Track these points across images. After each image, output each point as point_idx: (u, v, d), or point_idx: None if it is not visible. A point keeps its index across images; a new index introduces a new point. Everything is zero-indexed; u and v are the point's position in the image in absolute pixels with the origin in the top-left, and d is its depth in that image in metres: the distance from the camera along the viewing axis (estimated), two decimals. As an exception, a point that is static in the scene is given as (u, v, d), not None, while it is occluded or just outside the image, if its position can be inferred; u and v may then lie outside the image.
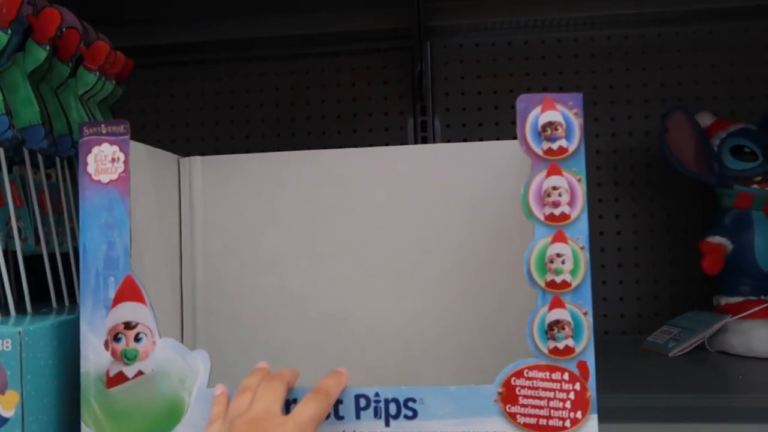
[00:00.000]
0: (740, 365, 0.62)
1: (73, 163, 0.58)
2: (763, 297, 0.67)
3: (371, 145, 0.87)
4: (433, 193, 0.51)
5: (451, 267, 0.51)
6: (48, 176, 0.55)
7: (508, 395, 0.38)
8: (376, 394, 0.39)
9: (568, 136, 0.39)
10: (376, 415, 0.39)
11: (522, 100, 0.39)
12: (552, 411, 0.38)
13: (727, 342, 0.66)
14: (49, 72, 0.51)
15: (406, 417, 0.39)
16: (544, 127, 0.39)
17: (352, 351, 0.51)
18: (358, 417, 0.39)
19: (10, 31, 0.44)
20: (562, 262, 0.39)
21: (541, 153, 0.39)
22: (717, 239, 0.69)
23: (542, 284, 0.39)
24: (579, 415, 0.38)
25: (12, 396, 0.39)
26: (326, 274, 0.52)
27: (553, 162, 0.39)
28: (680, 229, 0.82)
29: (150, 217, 0.48)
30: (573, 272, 0.38)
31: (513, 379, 0.38)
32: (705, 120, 0.72)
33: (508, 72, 0.86)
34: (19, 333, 0.40)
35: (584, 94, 0.83)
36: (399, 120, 0.89)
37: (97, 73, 0.55)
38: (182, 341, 0.48)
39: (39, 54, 0.48)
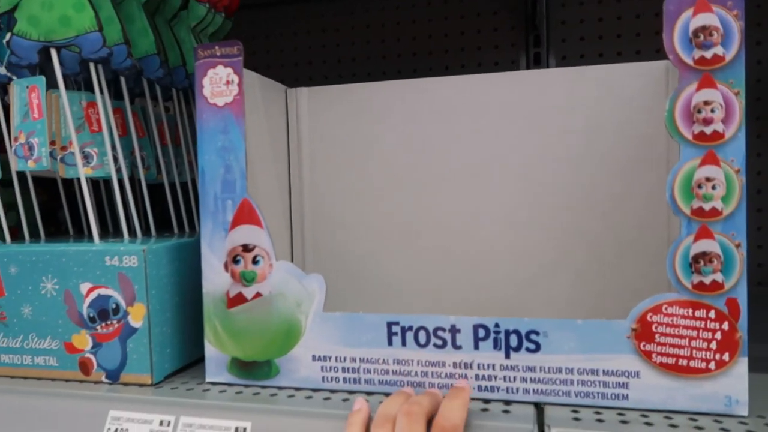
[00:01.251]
0: None
1: (189, 96, 0.59)
2: None
3: (480, 80, 0.83)
4: (547, 120, 0.47)
5: (565, 199, 0.47)
6: (166, 109, 0.56)
7: (643, 332, 0.35)
8: (496, 325, 0.37)
9: (725, 42, 0.34)
10: (496, 346, 0.37)
11: (671, 2, 0.34)
12: (694, 351, 0.35)
13: None
14: (162, 4, 0.52)
15: (528, 350, 0.37)
16: (697, 33, 0.34)
17: (460, 284, 0.50)
18: (476, 347, 0.38)
19: (128, -40, 0.44)
20: (713, 188, 0.34)
21: (691, 62, 0.34)
22: None
23: (687, 212, 0.34)
24: (726, 357, 0.34)
25: (140, 308, 0.41)
26: (433, 206, 0.50)
27: (706, 72, 0.34)
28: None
29: (263, 144, 0.48)
30: (725, 199, 0.34)
31: (649, 314, 0.35)
32: None
33: (637, -6, 0.78)
34: (143, 251, 0.41)
35: (765, 12, 0.73)
36: (510, 53, 0.84)
37: (207, 5, 0.55)
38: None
39: (153, -17, 0.48)
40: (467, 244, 0.50)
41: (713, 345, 0.34)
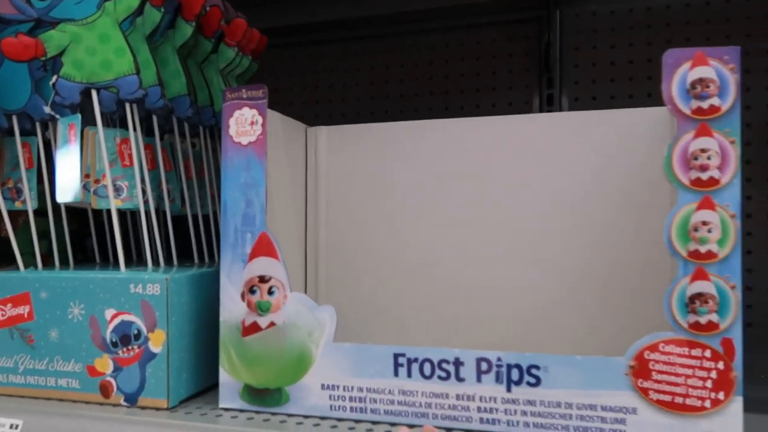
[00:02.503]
0: None
1: (214, 132, 0.62)
2: None
3: (494, 120, 0.85)
4: (558, 163, 0.49)
5: (575, 239, 0.49)
6: (193, 144, 0.60)
7: (641, 369, 0.36)
8: (499, 359, 0.39)
9: (721, 94, 0.36)
10: (498, 380, 0.39)
11: (670, 55, 0.37)
12: (690, 389, 0.35)
13: None
14: (194, 48, 0.55)
15: (529, 384, 0.38)
16: (694, 84, 0.36)
17: (471, 321, 0.51)
18: (479, 380, 0.39)
19: (162, 9, 0.48)
20: (709, 231, 0.35)
21: (689, 112, 0.36)
22: None
23: (684, 254, 0.36)
24: (721, 395, 0.35)
25: (160, 334, 0.43)
26: (446, 244, 0.52)
27: (703, 122, 0.36)
28: None
29: (282, 180, 0.50)
30: (721, 242, 0.35)
31: (647, 352, 0.36)
32: None
33: (647, 40, 0.80)
34: (166, 280, 0.43)
35: (753, 61, 0.76)
36: (524, 94, 0.86)
37: (236, 49, 0.59)
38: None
39: (186, 30, 0.52)
40: (477, 281, 0.52)
41: (709, 384, 0.35)
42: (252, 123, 0.43)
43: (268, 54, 0.67)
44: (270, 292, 0.43)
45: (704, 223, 0.36)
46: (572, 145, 0.49)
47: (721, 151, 0.35)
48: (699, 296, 0.35)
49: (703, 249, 0.35)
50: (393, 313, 0.53)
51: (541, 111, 0.85)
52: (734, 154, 0.35)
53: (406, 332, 0.53)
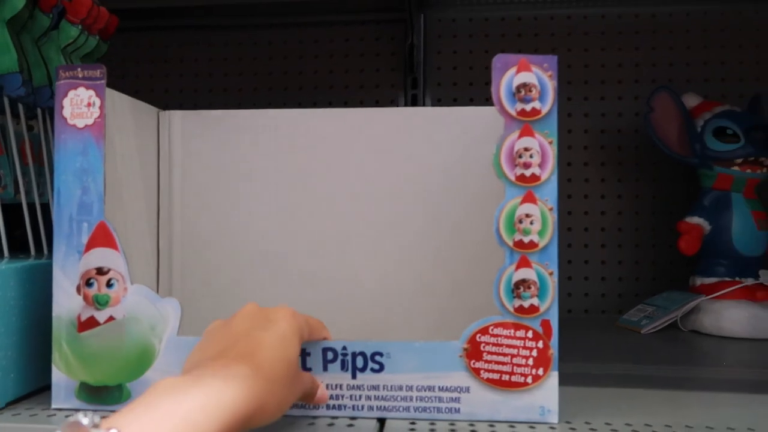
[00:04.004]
0: (710, 344, 0.63)
1: (54, 115, 0.58)
2: (737, 278, 0.68)
3: (360, 116, 0.87)
4: (409, 155, 0.51)
5: (425, 228, 0.51)
6: (30, 127, 0.55)
7: (473, 351, 0.39)
8: (344, 348, 0.40)
9: (541, 98, 0.39)
10: (343, 367, 0.40)
11: (498, 60, 0.40)
12: (515, 367, 0.39)
13: (699, 321, 0.67)
14: (30, 22, 0.51)
15: (373, 370, 0.40)
16: (519, 88, 0.39)
17: (325, 309, 0.52)
18: (325, 369, 0.40)
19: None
20: (531, 223, 0.39)
21: (514, 114, 0.39)
22: (695, 219, 0.70)
23: (510, 244, 0.39)
24: (540, 371, 0.39)
25: (-19, 332, 0.40)
26: (301, 234, 0.52)
27: (526, 123, 0.39)
28: (666, 212, 0.83)
29: (129, 166, 0.48)
30: (541, 233, 0.39)
31: (478, 335, 0.39)
32: (691, 101, 0.73)
33: (500, 48, 0.86)
34: (-9, 273, 0.40)
35: (575, 73, 0.84)
36: (390, 93, 0.89)
37: (80, 27, 0.55)
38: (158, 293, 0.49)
39: (18, 2, 0.48)
40: (333, 270, 0.53)
41: (530, 361, 0.39)
42: (89, 104, 0.40)
43: (120, 37, 0.64)
44: (109, 285, 0.41)
45: (527, 216, 0.39)
46: (421, 139, 0.52)
47: (542, 151, 0.39)
48: (523, 282, 0.39)
49: (526, 239, 0.39)
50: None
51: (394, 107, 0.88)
52: (552, 153, 0.39)
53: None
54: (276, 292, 0.52)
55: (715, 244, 0.69)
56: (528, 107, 0.39)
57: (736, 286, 0.66)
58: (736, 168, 0.68)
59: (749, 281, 0.67)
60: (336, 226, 0.52)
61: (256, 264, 0.53)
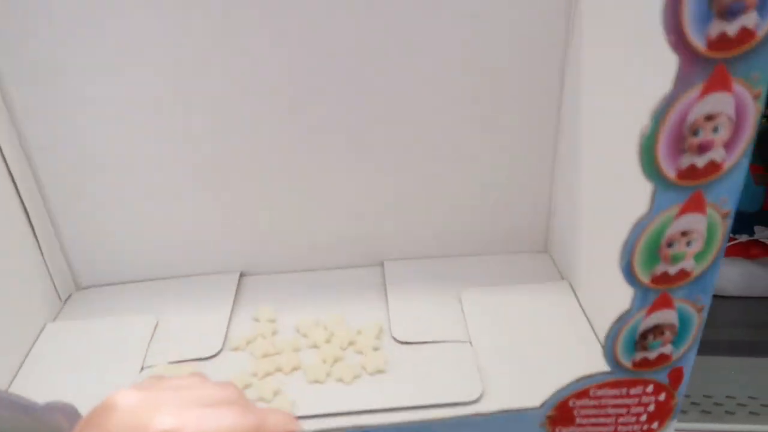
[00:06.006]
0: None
1: None
2: (731, 234, 0.54)
3: None
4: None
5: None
6: None
7: (561, 417, 0.25)
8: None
9: (761, 7, 0.18)
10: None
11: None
12: (619, 427, 0.26)
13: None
14: None
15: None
16: None
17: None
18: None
19: None
20: (688, 244, 0.21)
21: (702, 47, 0.18)
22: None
23: (646, 281, 0.22)
24: (655, 425, 0.27)
25: None
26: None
27: (721, 63, 0.18)
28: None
29: None
30: (700, 256, 0.22)
31: (572, 401, 0.25)
32: None
33: None
34: None
35: None
36: None
37: None
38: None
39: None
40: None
41: (643, 418, 0.26)
42: None
43: None
44: None
45: (684, 234, 0.21)
46: None
47: (737, 114, 0.19)
48: (655, 329, 0.23)
49: (673, 270, 0.22)
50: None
51: None
52: (754, 115, 0.19)
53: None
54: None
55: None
56: (732, 28, 0.18)
57: (730, 243, 0.53)
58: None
59: (743, 237, 0.54)
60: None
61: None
